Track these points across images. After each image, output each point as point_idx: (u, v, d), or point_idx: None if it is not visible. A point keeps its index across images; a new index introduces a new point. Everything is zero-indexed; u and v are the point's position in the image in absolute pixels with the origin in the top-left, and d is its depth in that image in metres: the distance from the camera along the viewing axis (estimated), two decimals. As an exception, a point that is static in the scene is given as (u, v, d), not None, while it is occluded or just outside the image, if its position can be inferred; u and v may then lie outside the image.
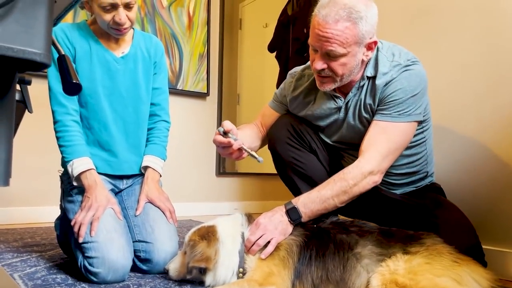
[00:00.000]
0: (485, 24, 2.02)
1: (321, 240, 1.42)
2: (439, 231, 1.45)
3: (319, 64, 1.52)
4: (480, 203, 1.96)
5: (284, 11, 4.25)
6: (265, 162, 1.80)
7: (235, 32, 4.65)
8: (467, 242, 1.49)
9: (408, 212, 1.66)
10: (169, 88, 2.07)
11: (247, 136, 1.77)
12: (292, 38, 4.08)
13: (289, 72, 1.88)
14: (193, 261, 1.43)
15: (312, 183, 1.73)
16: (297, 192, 1.78)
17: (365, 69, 1.60)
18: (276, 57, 4.31)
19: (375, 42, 1.54)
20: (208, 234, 1.47)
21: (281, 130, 1.80)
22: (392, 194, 1.73)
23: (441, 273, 1.24)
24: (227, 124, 1.53)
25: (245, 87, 4.56)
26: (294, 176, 1.78)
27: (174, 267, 1.56)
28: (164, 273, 1.71)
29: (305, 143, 1.78)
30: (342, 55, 1.48)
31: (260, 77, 4.56)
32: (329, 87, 1.59)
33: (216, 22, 4.12)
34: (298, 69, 1.84)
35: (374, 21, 1.50)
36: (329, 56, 1.50)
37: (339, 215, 1.75)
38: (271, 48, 4.33)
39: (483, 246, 1.57)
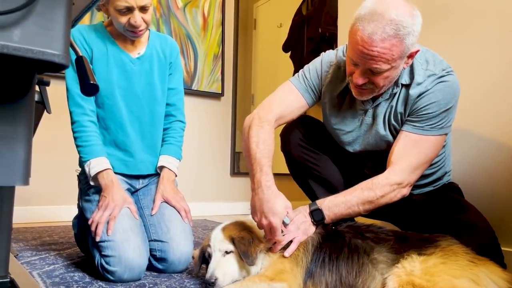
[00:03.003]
0: (504, 23, 1.98)
1: (335, 243, 1.42)
2: (458, 233, 1.43)
3: (361, 80, 1.46)
4: (498, 204, 1.93)
5: (299, 11, 4.24)
6: (279, 162, 1.79)
7: (249, 32, 4.66)
8: (486, 244, 1.47)
9: (427, 213, 1.64)
10: (184, 88, 2.09)
11: (272, 150, 1.58)
12: (307, 37, 4.07)
13: (324, 58, 1.72)
14: (254, 246, 1.38)
15: (327, 185, 1.72)
16: (311, 194, 1.77)
17: (399, 75, 1.53)
18: (291, 57, 4.31)
19: (417, 51, 1.47)
20: (241, 226, 1.47)
21: (294, 132, 1.78)
22: (411, 195, 1.71)
23: (459, 273, 1.22)
24: (292, 216, 1.45)
25: (260, 87, 4.57)
26: (308, 178, 1.77)
27: (223, 273, 1.38)
28: (179, 272, 1.73)
29: (318, 145, 1.76)
30: (386, 70, 1.42)
31: (275, 77, 4.56)
32: (367, 97, 1.55)
33: (231, 22, 4.14)
34: (332, 58, 1.70)
35: (419, 31, 1.42)
36: (371, 72, 1.43)
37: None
38: (285, 48, 4.33)
39: (502, 248, 1.55)
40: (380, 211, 1.70)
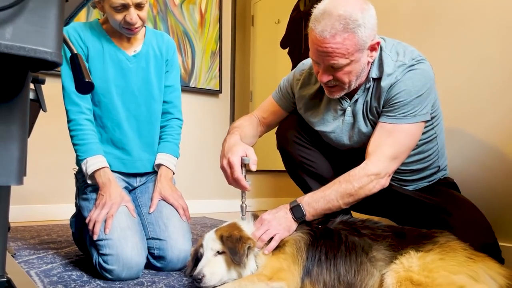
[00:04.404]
0: (502, 20, 1.98)
1: (331, 241, 1.41)
2: (454, 229, 1.43)
3: (325, 77, 1.50)
4: (496, 200, 1.93)
5: (296, 7, 4.23)
6: (275, 159, 1.81)
7: (247, 29, 4.64)
8: (483, 239, 1.47)
9: (422, 209, 1.64)
10: (181, 85, 2.08)
11: (249, 136, 1.77)
12: (305, 34, 4.06)
13: (298, 66, 1.82)
14: (241, 243, 1.38)
15: (323, 181, 1.71)
16: (307, 191, 1.76)
17: (370, 70, 1.56)
18: (289, 53, 4.30)
19: (378, 43, 1.50)
20: (231, 227, 1.48)
21: (289, 129, 1.79)
22: (405, 191, 1.71)
23: (457, 270, 1.22)
24: (254, 158, 1.51)
25: (258, 84, 4.55)
26: (304, 175, 1.77)
27: (211, 271, 1.38)
28: (178, 270, 1.73)
29: (314, 142, 1.76)
30: (346, 65, 1.45)
31: (273, 74, 4.55)
32: (339, 94, 1.57)
33: (228, 19, 4.12)
34: (306, 66, 1.79)
35: (373, 23, 1.45)
36: (333, 68, 1.47)
37: (351, 211, 1.74)
38: (283, 45, 4.32)
39: (500, 243, 1.55)
40: (375, 207, 1.70)
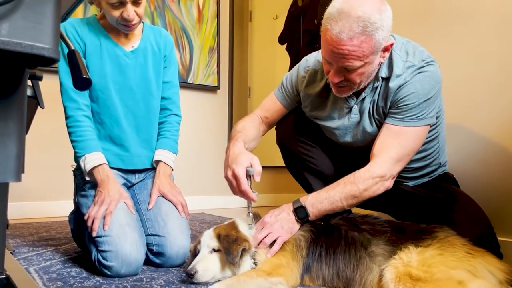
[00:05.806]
0: (500, 13, 1.97)
1: (331, 237, 1.41)
2: (454, 224, 1.43)
3: (336, 78, 1.47)
4: (495, 195, 1.93)
5: (294, 2, 4.21)
6: (275, 155, 1.80)
7: (245, 24, 4.62)
8: (482, 234, 1.47)
9: (423, 205, 1.64)
10: (179, 82, 2.07)
11: (251, 140, 1.72)
12: (303, 29, 4.04)
13: (301, 63, 1.79)
14: (237, 244, 1.39)
15: (323, 178, 1.72)
16: (308, 187, 1.77)
17: (379, 69, 1.54)
18: (287, 49, 4.28)
19: (392, 44, 1.47)
20: (230, 226, 1.49)
21: (290, 126, 1.78)
22: (406, 187, 1.71)
23: (456, 265, 1.22)
24: (258, 170, 1.48)
25: (256, 80, 4.54)
26: (304, 171, 1.77)
27: (204, 268, 1.41)
28: (177, 267, 1.73)
29: (314, 138, 1.76)
30: (360, 67, 1.42)
31: (271, 70, 4.54)
32: (347, 93, 1.55)
33: (226, 14, 4.11)
34: (310, 62, 1.75)
35: (389, 24, 1.42)
36: (346, 70, 1.44)
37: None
38: (281, 40, 4.31)
39: (499, 238, 1.55)
40: (375, 202, 1.70)
